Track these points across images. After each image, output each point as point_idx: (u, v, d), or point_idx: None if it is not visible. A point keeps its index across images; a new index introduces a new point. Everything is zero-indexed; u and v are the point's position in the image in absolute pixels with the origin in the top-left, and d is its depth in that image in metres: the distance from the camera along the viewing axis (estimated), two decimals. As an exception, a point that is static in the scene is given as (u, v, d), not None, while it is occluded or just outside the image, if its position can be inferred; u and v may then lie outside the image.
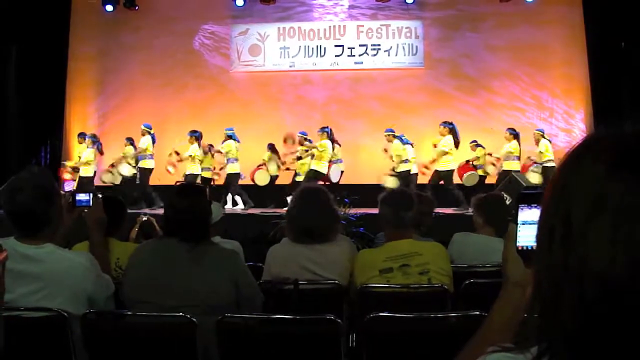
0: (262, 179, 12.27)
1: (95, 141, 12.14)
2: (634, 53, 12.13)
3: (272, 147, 12.51)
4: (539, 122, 13.50)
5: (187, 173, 11.71)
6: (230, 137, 11.92)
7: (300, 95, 14.44)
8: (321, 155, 11.13)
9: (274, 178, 12.42)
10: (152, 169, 11.78)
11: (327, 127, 11.40)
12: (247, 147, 12.54)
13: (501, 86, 13.98)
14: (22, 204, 2.52)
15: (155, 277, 2.78)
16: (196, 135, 11.87)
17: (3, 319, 1.68)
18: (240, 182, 11.92)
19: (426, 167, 11.36)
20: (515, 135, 11.40)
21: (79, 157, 12.32)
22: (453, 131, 10.83)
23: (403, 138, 11.48)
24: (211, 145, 12.21)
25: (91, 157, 11.96)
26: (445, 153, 10.78)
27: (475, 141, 12.35)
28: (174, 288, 2.74)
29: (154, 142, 11.87)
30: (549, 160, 11.12)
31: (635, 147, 0.78)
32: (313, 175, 11.00)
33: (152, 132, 11.90)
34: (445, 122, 10.99)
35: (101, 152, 12.25)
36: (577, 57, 13.56)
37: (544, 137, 11.48)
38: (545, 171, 11.04)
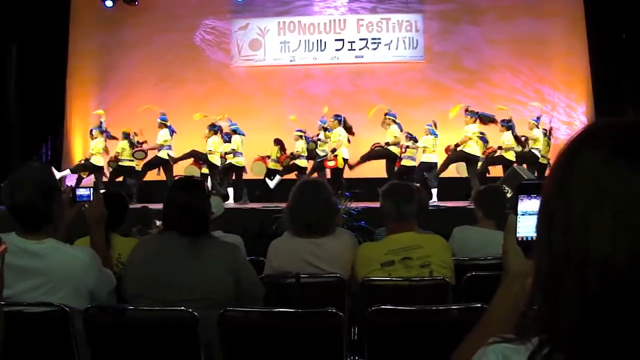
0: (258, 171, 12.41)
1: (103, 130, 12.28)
2: (635, 45, 12.10)
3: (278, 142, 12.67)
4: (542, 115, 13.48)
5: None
6: (235, 131, 12.09)
7: (300, 89, 14.43)
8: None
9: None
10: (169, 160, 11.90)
11: (341, 115, 11.55)
12: (248, 141, 12.54)
13: (502, 79, 13.96)
14: (23, 200, 2.52)
15: (156, 272, 2.78)
16: (215, 130, 12.05)
17: (3, 313, 1.68)
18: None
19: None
20: (509, 127, 11.44)
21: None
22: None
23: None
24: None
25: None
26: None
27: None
28: (174, 282, 2.74)
29: (172, 133, 11.98)
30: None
31: (635, 137, 0.78)
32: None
33: (168, 123, 12.01)
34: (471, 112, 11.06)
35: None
36: (577, 50, 13.54)
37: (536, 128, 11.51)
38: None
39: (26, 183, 2.53)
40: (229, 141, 12.03)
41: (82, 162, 12.38)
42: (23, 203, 2.53)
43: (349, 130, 11.55)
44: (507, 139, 11.21)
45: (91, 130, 12.46)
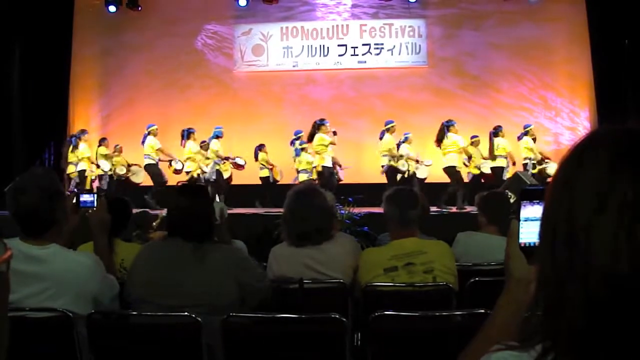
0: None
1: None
2: (638, 50, 12.09)
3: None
4: (545, 121, 13.50)
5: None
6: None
7: (303, 94, 14.44)
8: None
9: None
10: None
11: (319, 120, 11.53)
12: (250, 147, 12.55)
13: (505, 85, 13.97)
14: (27, 205, 2.53)
15: (159, 277, 2.79)
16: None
17: (8, 319, 1.68)
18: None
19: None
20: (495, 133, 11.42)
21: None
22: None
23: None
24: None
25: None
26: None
27: (476, 136, 12.10)
28: (178, 288, 2.74)
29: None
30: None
31: (636, 143, 0.78)
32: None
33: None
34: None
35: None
36: (580, 55, 13.54)
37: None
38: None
39: (30, 188, 2.53)
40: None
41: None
42: (26, 208, 2.54)
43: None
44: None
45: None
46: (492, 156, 11.20)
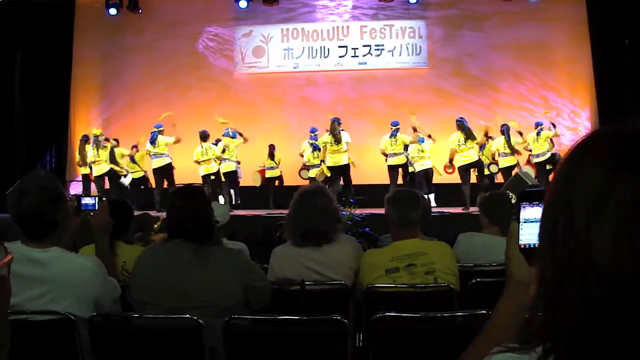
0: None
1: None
2: (638, 50, 12.09)
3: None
4: (545, 121, 13.46)
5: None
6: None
7: (304, 96, 14.45)
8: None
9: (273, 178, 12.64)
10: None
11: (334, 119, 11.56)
12: (251, 148, 12.56)
13: (506, 85, 13.97)
14: (29, 208, 2.53)
15: (161, 279, 2.79)
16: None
17: (9, 322, 1.68)
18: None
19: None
20: (501, 131, 11.41)
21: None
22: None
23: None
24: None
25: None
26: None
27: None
28: (179, 290, 2.74)
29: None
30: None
31: (637, 145, 0.78)
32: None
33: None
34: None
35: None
36: (581, 55, 13.54)
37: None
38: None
39: (32, 191, 2.53)
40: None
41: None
42: (29, 211, 2.54)
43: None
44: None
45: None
46: (513, 149, 11.23)
